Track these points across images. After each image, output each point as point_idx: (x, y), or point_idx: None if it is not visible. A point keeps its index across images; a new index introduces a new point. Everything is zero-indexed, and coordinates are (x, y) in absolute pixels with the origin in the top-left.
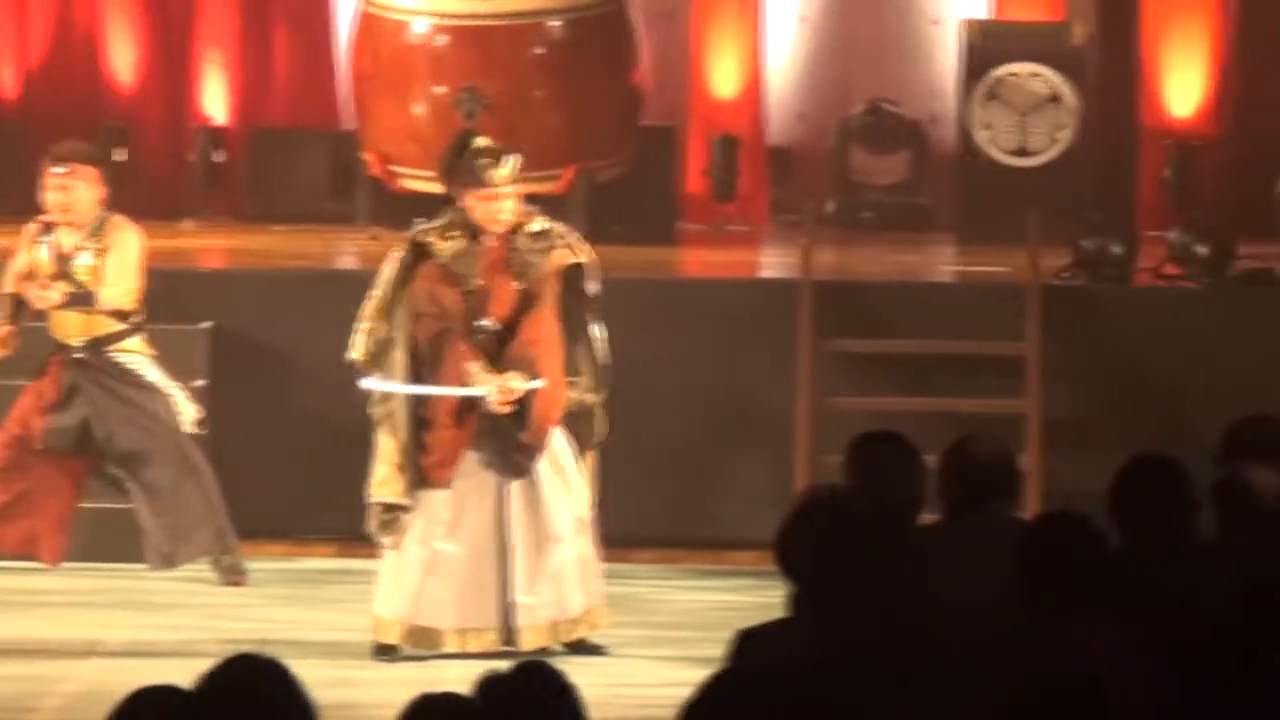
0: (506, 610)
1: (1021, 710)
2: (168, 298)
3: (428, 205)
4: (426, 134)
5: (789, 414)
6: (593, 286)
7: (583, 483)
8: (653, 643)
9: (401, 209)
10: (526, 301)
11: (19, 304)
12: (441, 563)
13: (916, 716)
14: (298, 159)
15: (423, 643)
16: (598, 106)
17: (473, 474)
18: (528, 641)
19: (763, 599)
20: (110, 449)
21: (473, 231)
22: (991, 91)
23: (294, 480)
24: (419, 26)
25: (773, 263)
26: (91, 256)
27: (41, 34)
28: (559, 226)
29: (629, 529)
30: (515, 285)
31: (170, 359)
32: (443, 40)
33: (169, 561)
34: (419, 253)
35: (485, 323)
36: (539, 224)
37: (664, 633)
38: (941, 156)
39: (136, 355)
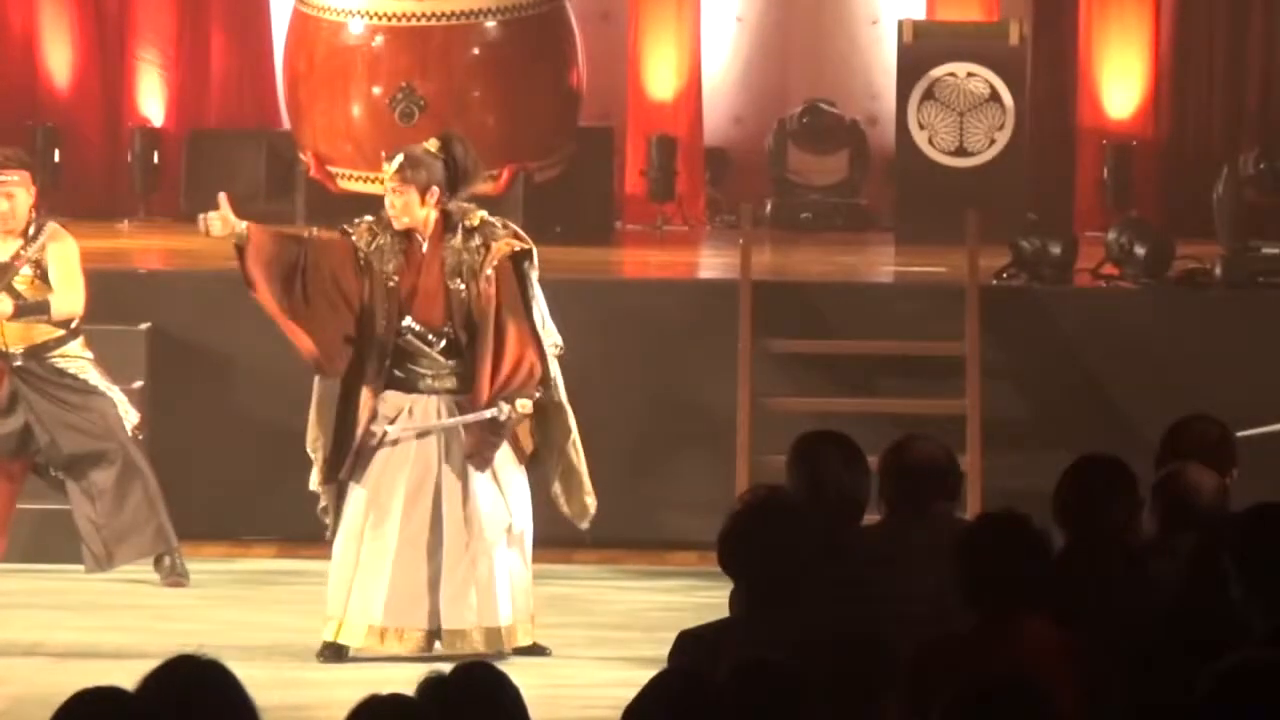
0: (435, 612)
1: (962, 712)
2: (105, 299)
3: (366, 205)
4: (363, 135)
5: (729, 414)
6: (535, 274)
7: (520, 491)
8: (594, 643)
9: (339, 209)
10: (466, 304)
11: None
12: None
13: (857, 717)
14: (235, 160)
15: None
16: (535, 107)
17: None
18: (458, 647)
19: (704, 599)
20: (53, 454)
21: (396, 230)
22: (929, 91)
23: (233, 480)
24: (355, 27)
25: (711, 263)
26: (30, 267)
27: None
28: (497, 220)
29: (570, 530)
30: (452, 286)
31: (108, 360)
32: (379, 41)
33: (106, 563)
34: (342, 234)
35: (410, 323)
36: (475, 219)
37: (606, 633)
38: (880, 157)
39: (77, 359)
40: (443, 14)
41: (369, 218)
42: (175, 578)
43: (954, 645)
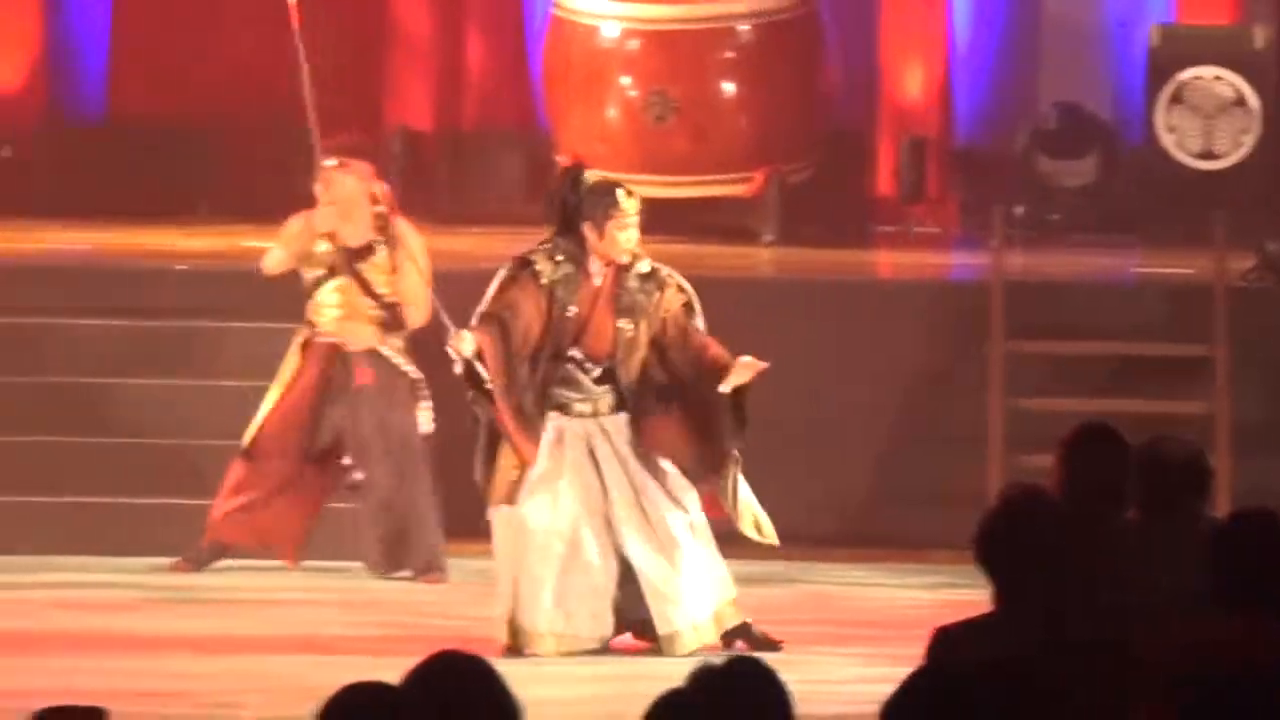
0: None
1: (1216, 710)
2: None
3: None
4: (617, 136)
5: (980, 414)
6: (700, 322)
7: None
8: (848, 640)
9: None
10: (633, 343)
11: None
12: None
13: (1110, 715)
14: (493, 161)
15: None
16: (787, 110)
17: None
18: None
19: (958, 597)
20: (354, 452)
21: (579, 262)
22: (1176, 95)
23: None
24: (610, 30)
25: (963, 264)
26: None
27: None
28: (664, 268)
29: (823, 528)
30: (619, 323)
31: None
32: (633, 44)
33: (388, 567)
34: (523, 268)
35: (576, 353)
36: (646, 265)
37: (859, 630)
38: (1128, 160)
39: (398, 356)
40: (696, 18)
41: (545, 245)
42: (434, 574)
43: (1207, 644)
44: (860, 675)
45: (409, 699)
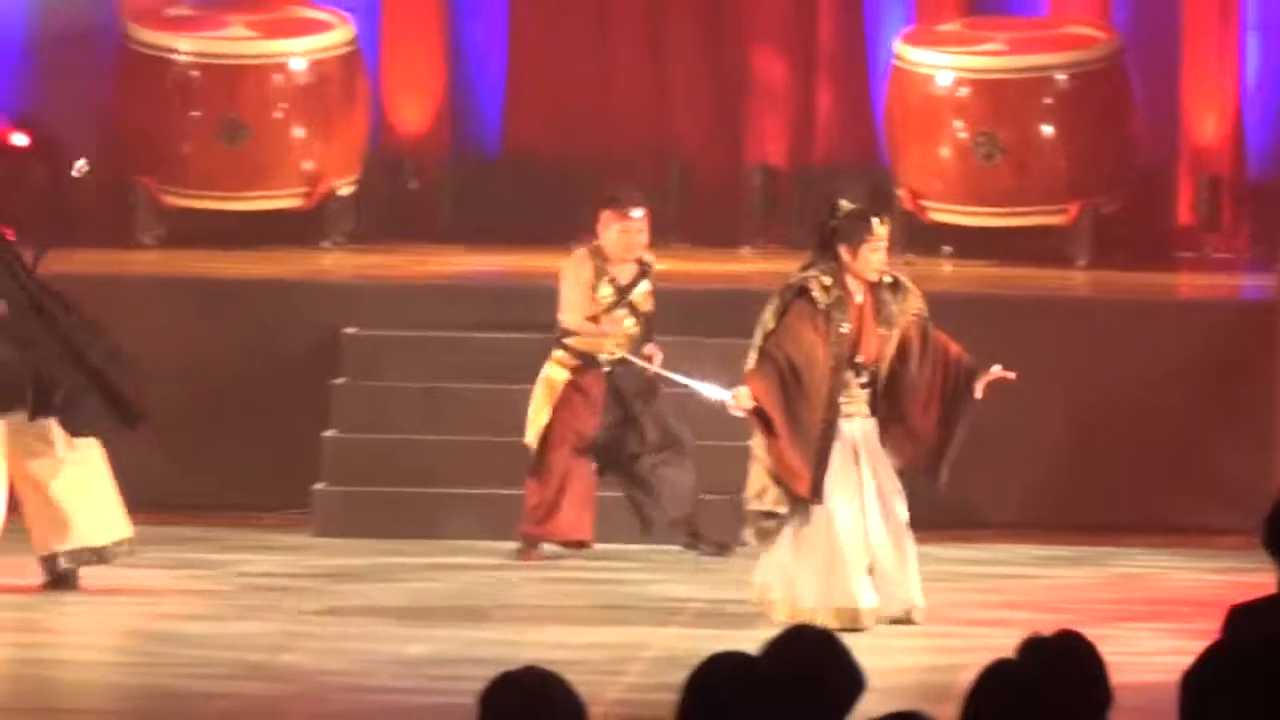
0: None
1: None
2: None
3: (952, 234)
4: (950, 172)
5: (1266, 412)
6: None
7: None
8: (1153, 616)
9: (930, 237)
10: (889, 345)
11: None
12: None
13: None
14: (838, 194)
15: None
16: (1099, 149)
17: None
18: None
19: (1244, 579)
20: (638, 441)
21: (842, 282)
22: None
23: None
24: (943, 79)
25: (1252, 285)
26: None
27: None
28: (901, 276)
29: (1120, 516)
30: (881, 331)
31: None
32: (964, 91)
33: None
34: (797, 293)
35: (861, 360)
36: (889, 278)
37: (1159, 608)
38: None
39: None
40: (1019, 69)
41: (811, 271)
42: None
43: None
44: (1166, 648)
45: (766, 668)
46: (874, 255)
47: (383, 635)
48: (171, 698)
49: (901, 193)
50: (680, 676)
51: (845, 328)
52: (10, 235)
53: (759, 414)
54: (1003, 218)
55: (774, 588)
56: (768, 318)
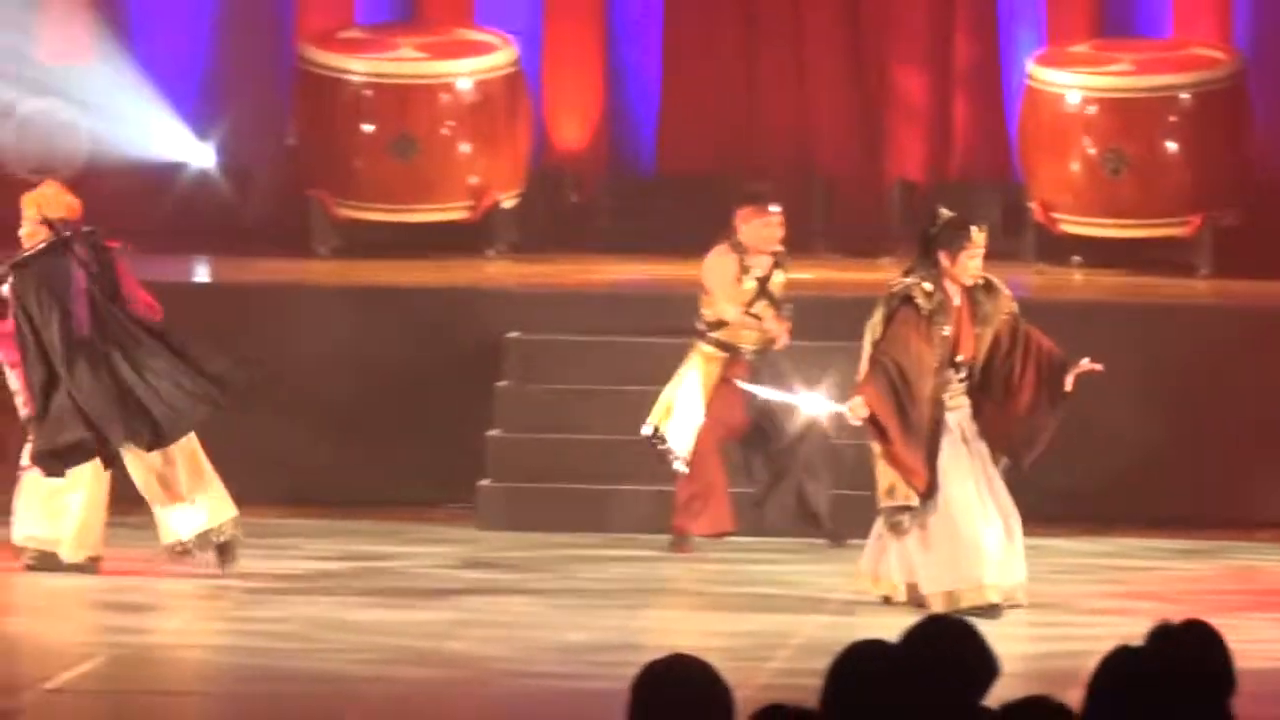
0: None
1: None
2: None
3: (1081, 244)
4: (1080, 186)
5: None
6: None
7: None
8: (1270, 606)
9: (1061, 247)
10: (984, 343)
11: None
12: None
13: None
14: (975, 207)
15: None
16: (1221, 164)
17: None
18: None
19: None
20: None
21: (942, 287)
22: None
23: None
24: (1073, 98)
25: None
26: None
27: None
28: (995, 279)
29: (1232, 512)
30: (977, 331)
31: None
32: (1093, 110)
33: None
34: (902, 301)
35: (960, 359)
36: (982, 279)
37: (1274, 599)
38: None
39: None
40: (1145, 88)
41: (912, 278)
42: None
43: None
44: (1276, 636)
45: (906, 655)
46: (972, 262)
47: (544, 623)
48: (338, 681)
49: (1034, 205)
50: (824, 663)
51: (947, 330)
52: (113, 245)
53: (873, 421)
54: (1128, 229)
55: (898, 577)
56: (876, 323)
